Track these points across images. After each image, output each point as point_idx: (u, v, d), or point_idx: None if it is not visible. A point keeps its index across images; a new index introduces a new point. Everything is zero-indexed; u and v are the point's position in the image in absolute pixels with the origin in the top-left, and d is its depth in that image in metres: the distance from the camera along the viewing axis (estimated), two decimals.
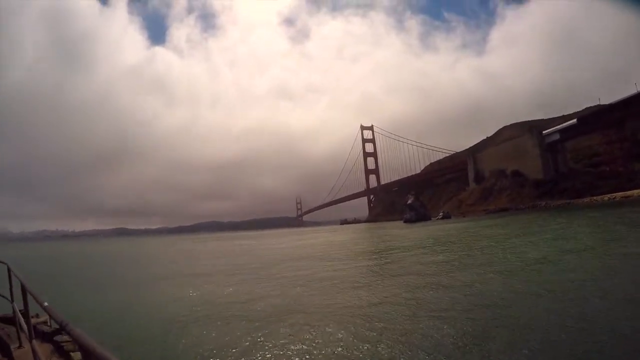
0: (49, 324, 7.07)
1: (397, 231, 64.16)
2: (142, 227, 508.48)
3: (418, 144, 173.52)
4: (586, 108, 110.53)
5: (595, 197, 79.62)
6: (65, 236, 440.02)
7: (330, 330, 10.02)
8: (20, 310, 4.67)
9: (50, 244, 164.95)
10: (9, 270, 5.35)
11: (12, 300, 5.25)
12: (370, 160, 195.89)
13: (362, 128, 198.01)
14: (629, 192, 72.64)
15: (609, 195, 76.12)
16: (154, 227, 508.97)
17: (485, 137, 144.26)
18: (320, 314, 11.98)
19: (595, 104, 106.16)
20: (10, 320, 5.92)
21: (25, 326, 4.46)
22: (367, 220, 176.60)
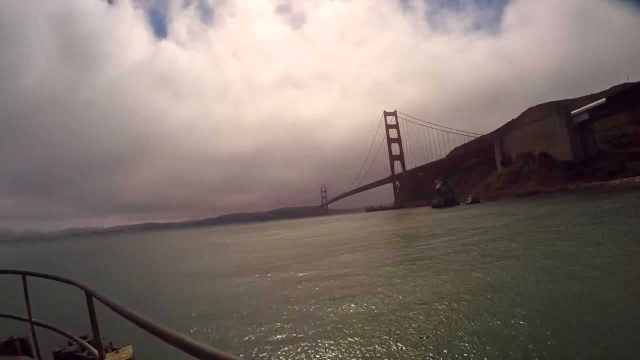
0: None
1: (438, 216, 59.29)
2: (168, 221, 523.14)
3: (443, 129, 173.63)
4: (613, 87, 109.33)
5: (626, 179, 79.97)
6: (94, 233, 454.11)
7: None
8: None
9: (84, 241, 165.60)
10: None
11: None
12: (395, 146, 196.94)
13: (385, 114, 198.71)
14: None
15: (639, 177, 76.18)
16: (179, 220, 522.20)
17: (510, 120, 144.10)
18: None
19: (623, 83, 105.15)
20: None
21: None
22: (393, 207, 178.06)
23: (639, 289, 10.66)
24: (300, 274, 19.08)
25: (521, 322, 8.91)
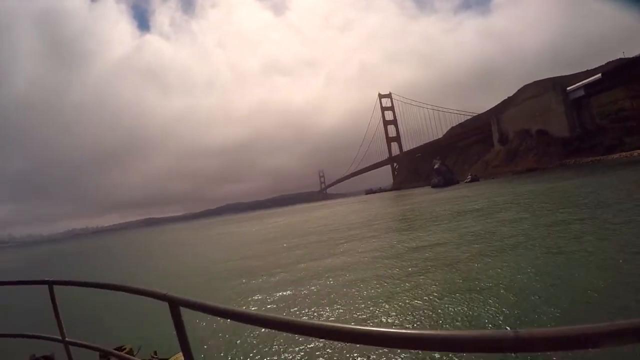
0: None
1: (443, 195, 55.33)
2: (168, 215, 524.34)
3: (439, 109, 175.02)
4: (608, 62, 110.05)
5: (625, 153, 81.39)
6: (95, 232, 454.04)
7: None
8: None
9: (84, 241, 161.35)
10: None
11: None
12: (391, 128, 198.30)
13: (380, 96, 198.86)
14: None
15: (638, 151, 77.97)
16: (179, 213, 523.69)
17: (506, 98, 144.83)
18: None
19: (618, 58, 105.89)
20: None
21: None
22: (392, 189, 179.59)
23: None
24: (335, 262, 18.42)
25: None
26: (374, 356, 7.39)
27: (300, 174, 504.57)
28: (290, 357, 8.05)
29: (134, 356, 5.25)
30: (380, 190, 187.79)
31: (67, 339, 3.35)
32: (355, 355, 7.57)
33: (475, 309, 9.54)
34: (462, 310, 9.56)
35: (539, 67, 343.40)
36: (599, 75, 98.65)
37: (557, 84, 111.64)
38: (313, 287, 14.15)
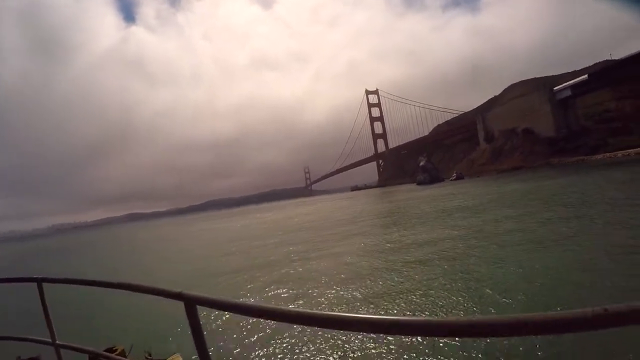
0: None
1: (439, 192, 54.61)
2: (153, 211, 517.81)
3: (425, 106, 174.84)
4: (595, 64, 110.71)
5: (609, 154, 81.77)
6: (78, 227, 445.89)
7: None
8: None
9: (68, 236, 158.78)
10: None
11: None
12: (377, 124, 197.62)
13: (367, 92, 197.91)
14: None
15: (622, 152, 78.29)
16: (164, 209, 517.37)
17: (492, 97, 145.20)
18: None
19: (605, 60, 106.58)
20: None
21: None
22: (377, 185, 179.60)
23: None
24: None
25: None
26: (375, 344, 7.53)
27: (288, 169, 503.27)
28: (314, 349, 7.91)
29: (125, 357, 4.94)
30: (366, 187, 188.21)
31: (57, 341, 3.19)
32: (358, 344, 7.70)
33: (459, 299, 9.86)
34: (444, 302, 9.87)
35: (528, 66, 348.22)
36: (586, 76, 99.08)
37: (543, 84, 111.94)
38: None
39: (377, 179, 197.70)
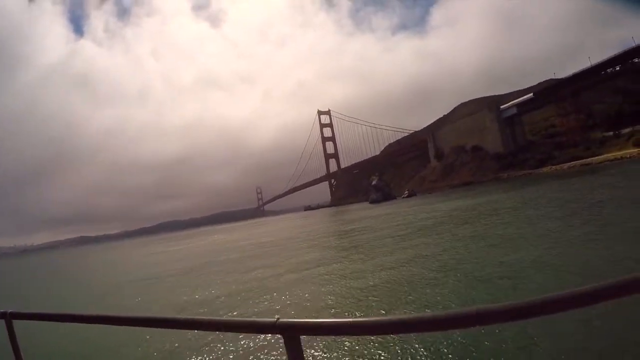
0: None
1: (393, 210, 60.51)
2: (102, 233, 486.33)
3: (376, 126, 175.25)
4: (539, 83, 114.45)
5: (555, 166, 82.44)
6: (25, 251, 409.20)
7: None
8: None
9: (12, 260, 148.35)
10: None
11: None
12: (329, 144, 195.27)
13: (319, 113, 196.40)
14: (587, 160, 75.55)
15: (568, 164, 78.79)
16: (113, 232, 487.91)
17: (442, 116, 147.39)
18: None
19: (548, 79, 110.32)
20: None
21: None
22: (330, 205, 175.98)
23: None
24: None
25: None
26: None
27: (239, 190, 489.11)
28: None
29: None
30: (319, 206, 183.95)
31: None
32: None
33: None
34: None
35: (475, 86, 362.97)
36: (531, 94, 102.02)
37: (491, 103, 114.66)
38: None
39: (329, 198, 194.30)
